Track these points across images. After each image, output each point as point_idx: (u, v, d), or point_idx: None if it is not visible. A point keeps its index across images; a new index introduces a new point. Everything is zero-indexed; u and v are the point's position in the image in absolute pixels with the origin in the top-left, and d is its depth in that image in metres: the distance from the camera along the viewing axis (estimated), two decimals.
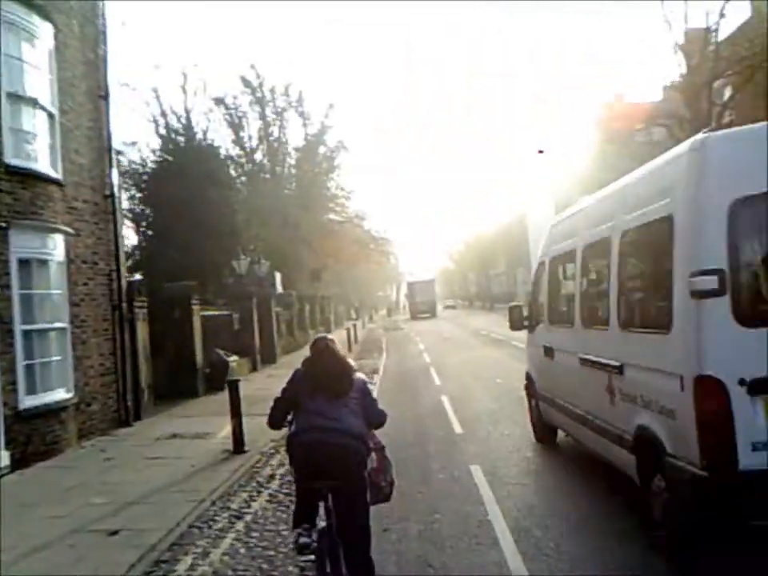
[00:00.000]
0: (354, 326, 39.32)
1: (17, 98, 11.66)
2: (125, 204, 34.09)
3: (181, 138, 35.39)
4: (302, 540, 4.80)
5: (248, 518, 7.95)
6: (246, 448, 11.55)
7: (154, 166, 33.08)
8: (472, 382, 18.79)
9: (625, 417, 6.54)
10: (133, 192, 33.18)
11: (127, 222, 34.34)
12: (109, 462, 11.30)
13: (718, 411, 5.07)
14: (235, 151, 48.88)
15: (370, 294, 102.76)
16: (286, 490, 8.92)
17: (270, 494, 8.89)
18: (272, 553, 6.82)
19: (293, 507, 7.57)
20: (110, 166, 15.04)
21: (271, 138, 50.43)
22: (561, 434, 10.22)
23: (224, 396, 18.41)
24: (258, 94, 49.83)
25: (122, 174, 36.44)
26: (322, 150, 51.18)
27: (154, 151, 34.88)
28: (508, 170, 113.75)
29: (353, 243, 53.96)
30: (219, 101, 47.70)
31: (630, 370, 6.45)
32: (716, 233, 5.13)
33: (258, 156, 50.58)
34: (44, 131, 12.46)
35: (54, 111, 12.76)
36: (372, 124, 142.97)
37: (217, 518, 8.00)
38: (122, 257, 15.88)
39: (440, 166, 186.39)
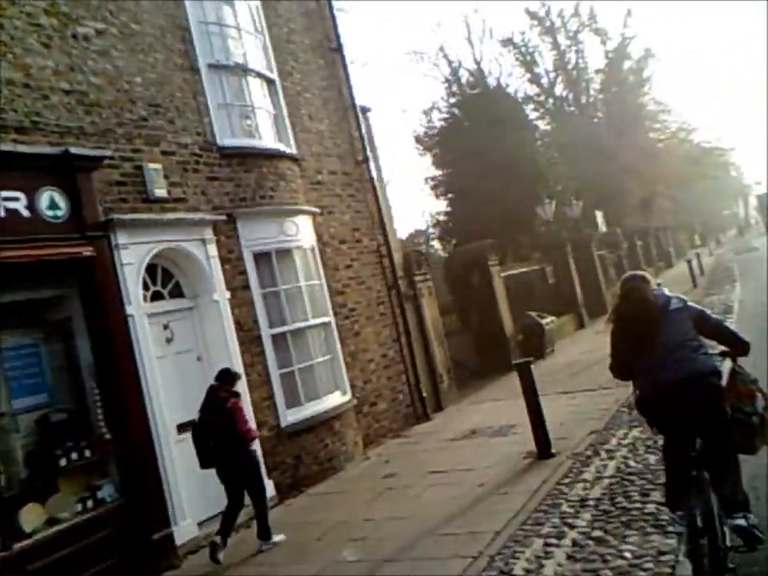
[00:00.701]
0: (698, 255, 33.86)
1: (219, 69, 9.99)
2: (425, 173, 33.00)
3: (469, 90, 32.94)
4: (678, 528, 4.69)
5: None
6: (555, 450, 8.71)
7: (443, 123, 31.15)
8: None
9: None
10: (429, 156, 31.69)
11: (429, 191, 33.12)
12: (387, 481, 9.19)
13: None
14: (534, 90, 45.50)
15: (715, 215, 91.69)
16: (599, 531, 5.97)
17: (574, 542, 5.91)
18: None
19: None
20: (358, 127, 13.04)
21: (569, 67, 45.99)
22: None
23: (543, 366, 15.88)
24: (547, 23, 45.75)
25: (417, 140, 35.70)
26: (626, 64, 45.39)
27: (439, 109, 32.96)
28: None
29: (682, 161, 47.36)
30: (507, 41, 44.49)
31: None
32: None
33: (559, 90, 46.46)
34: (263, 101, 10.72)
35: (272, 75, 10.97)
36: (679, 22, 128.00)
37: None
38: (391, 228, 13.88)
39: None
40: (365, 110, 14.58)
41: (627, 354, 4.66)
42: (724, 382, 4.61)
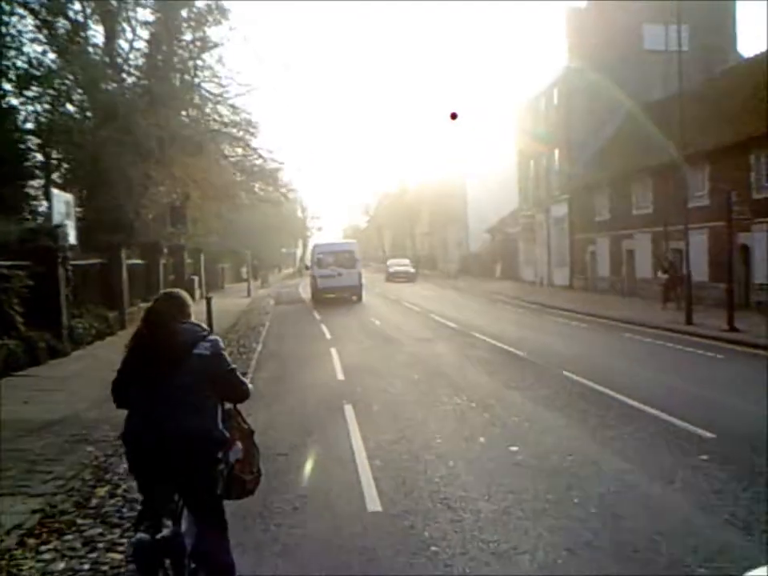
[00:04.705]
0: (209, 299, 21.07)
1: None
2: None
3: None
4: (140, 536, 3.91)
5: None
6: None
7: None
8: None
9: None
10: None
11: None
12: None
13: None
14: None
15: (272, 251, 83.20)
16: None
17: None
18: None
19: None
20: None
21: None
22: None
23: None
24: None
25: None
26: (185, 13, 31.94)
27: None
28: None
29: (232, 167, 35.52)
30: None
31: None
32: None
33: (81, 17, 31.12)
34: None
35: None
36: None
37: None
38: None
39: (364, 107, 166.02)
40: None
41: (129, 381, 4.22)
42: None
